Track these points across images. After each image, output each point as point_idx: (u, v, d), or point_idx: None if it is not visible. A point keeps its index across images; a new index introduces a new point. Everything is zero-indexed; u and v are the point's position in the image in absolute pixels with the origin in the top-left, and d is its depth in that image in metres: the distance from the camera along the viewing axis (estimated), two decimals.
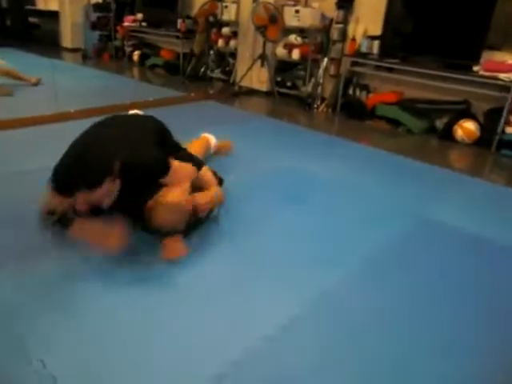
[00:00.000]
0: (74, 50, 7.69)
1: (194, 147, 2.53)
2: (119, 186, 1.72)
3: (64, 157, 1.80)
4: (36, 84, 4.86)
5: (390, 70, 4.22)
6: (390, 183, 2.80)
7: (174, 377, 1.27)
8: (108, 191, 1.67)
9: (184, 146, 2.37)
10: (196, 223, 1.97)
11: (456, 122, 3.81)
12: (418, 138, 3.98)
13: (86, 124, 2.00)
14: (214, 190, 2.07)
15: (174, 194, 1.77)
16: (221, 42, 5.74)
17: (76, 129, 1.96)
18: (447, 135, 3.88)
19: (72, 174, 1.63)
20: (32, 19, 8.63)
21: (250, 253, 1.92)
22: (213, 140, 2.86)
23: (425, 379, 1.33)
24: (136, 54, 6.89)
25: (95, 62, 7.02)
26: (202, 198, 1.97)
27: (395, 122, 4.18)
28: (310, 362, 1.36)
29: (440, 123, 4.00)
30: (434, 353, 1.43)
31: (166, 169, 1.87)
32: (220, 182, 2.25)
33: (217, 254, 1.89)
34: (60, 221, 1.81)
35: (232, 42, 5.63)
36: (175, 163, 1.93)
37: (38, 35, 8.38)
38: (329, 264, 1.88)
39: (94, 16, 7.28)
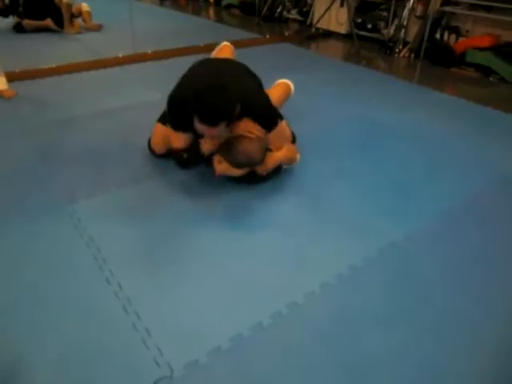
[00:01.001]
0: None
1: (273, 95, 2.33)
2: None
3: (184, 90, 1.83)
4: (98, 29, 4.91)
5: (489, 9, 3.75)
6: (473, 136, 2.58)
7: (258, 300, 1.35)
8: (222, 131, 1.75)
9: None
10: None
11: None
12: None
13: (162, 65, 2.05)
14: (285, 152, 1.99)
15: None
16: None
17: (152, 70, 2.01)
18: None
19: (205, 108, 1.67)
20: None
21: (321, 202, 1.91)
22: (292, 86, 2.54)
23: (490, 337, 1.28)
24: None
25: (172, 3, 7.02)
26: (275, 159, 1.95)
27: (486, 70, 3.77)
28: (372, 311, 1.36)
29: None
30: (503, 314, 1.37)
31: (274, 121, 1.88)
32: (293, 139, 2.15)
33: (288, 201, 1.91)
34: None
35: None
36: (283, 122, 1.93)
37: None
38: (400, 216, 1.82)
39: None
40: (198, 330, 1.28)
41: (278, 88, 2.45)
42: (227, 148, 1.81)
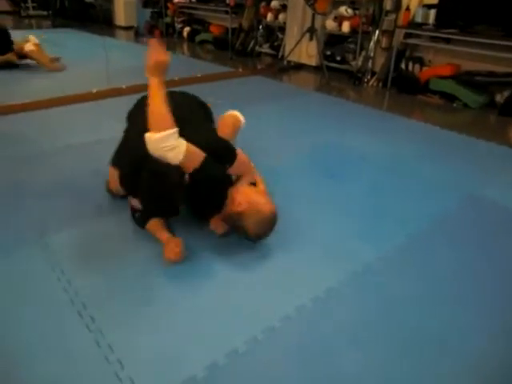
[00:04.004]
0: (127, 28, 7.89)
1: (223, 129, 2.17)
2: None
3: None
4: (53, 69, 4.63)
5: (447, 40, 3.98)
6: (440, 159, 2.68)
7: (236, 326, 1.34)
8: None
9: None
10: None
11: None
12: (475, 113, 3.76)
13: (136, 99, 2.06)
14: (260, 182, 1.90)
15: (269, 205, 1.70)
16: (270, 16, 5.66)
17: (127, 104, 2.03)
18: (508, 110, 3.62)
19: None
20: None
21: (293, 226, 1.93)
22: (242, 118, 2.34)
23: (463, 356, 1.29)
24: (186, 31, 6.96)
25: (147, 39, 7.16)
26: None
27: (450, 97, 3.96)
28: (348, 332, 1.37)
29: (500, 97, 3.75)
30: (473, 330, 1.39)
31: (234, 156, 1.78)
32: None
33: None
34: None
35: (281, 16, 5.53)
36: (240, 152, 1.84)
37: (94, 15, 8.65)
38: (372, 238, 1.85)
39: None
40: (172, 359, 1.25)
41: (227, 123, 2.24)
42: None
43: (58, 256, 1.68)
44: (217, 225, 1.81)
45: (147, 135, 1.56)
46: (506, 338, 1.37)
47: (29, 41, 4.59)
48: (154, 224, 1.77)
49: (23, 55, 4.58)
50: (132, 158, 1.81)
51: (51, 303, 1.45)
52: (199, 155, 1.65)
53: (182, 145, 1.59)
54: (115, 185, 1.98)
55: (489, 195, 2.25)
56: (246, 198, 1.67)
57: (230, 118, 2.25)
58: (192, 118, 1.94)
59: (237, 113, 2.30)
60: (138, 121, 1.70)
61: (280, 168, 2.44)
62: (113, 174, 1.98)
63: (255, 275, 1.62)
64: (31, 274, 1.58)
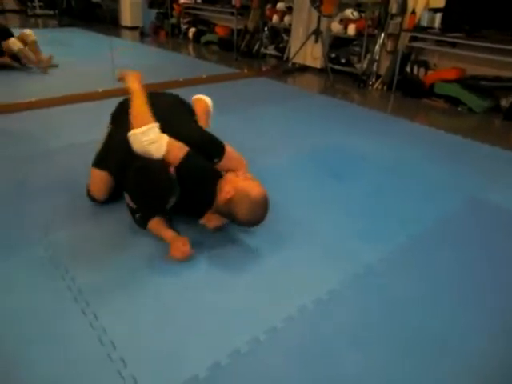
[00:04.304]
0: (132, 28, 7.91)
1: (201, 119, 2.14)
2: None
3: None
4: (45, 67, 4.53)
5: (453, 44, 3.97)
6: (442, 162, 2.68)
7: (238, 328, 1.34)
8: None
9: None
10: None
11: None
12: (480, 117, 3.75)
13: None
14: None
15: (258, 188, 1.66)
16: (275, 18, 5.67)
17: None
18: None
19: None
20: None
21: (295, 227, 1.93)
22: (209, 101, 2.32)
23: (464, 357, 1.29)
24: (191, 32, 6.97)
25: (152, 40, 7.19)
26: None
27: (455, 101, 3.95)
28: (349, 336, 1.37)
29: (506, 102, 3.75)
30: (473, 330, 1.40)
31: (221, 149, 1.80)
32: None
33: (261, 227, 1.90)
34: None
35: (286, 18, 5.54)
36: (229, 147, 1.86)
37: (100, 14, 8.68)
38: (374, 239, 1.85)
39: None
40: (174, 358, 1.25)
41: (200, 109, 2.23)
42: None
43: (62, 254, 1.69)
44: (208, 218, 1.78)
45: (130, 132, 1.65)
46: (506, 338, 1.37)
47: (24, 37, 4.51)
48: (156, 224, 1.77)
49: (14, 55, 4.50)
50: (118, 157, 1.82)
51: (55, 302, 1.45)
52: (182, 148, 1.69)
53: (163, 138, 1.66)
54: (97, 188, 1.98)
55: (491, 198, 2.25)
56: (233, 184, 1.65)
57: (202, 104, 2.25)
58: (173, 116, 1.95)
59: (203, 96, 2.30)
60: (121, 122, 1.75)
61: (281, 168, 2.45)
62: (96, 176, 1.98)
63: (256, 275, 1.62)
64: (34, 273, 1.59)
